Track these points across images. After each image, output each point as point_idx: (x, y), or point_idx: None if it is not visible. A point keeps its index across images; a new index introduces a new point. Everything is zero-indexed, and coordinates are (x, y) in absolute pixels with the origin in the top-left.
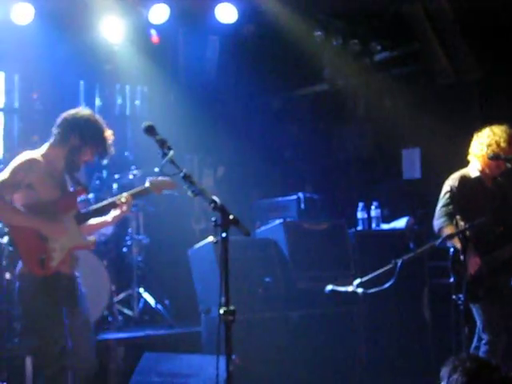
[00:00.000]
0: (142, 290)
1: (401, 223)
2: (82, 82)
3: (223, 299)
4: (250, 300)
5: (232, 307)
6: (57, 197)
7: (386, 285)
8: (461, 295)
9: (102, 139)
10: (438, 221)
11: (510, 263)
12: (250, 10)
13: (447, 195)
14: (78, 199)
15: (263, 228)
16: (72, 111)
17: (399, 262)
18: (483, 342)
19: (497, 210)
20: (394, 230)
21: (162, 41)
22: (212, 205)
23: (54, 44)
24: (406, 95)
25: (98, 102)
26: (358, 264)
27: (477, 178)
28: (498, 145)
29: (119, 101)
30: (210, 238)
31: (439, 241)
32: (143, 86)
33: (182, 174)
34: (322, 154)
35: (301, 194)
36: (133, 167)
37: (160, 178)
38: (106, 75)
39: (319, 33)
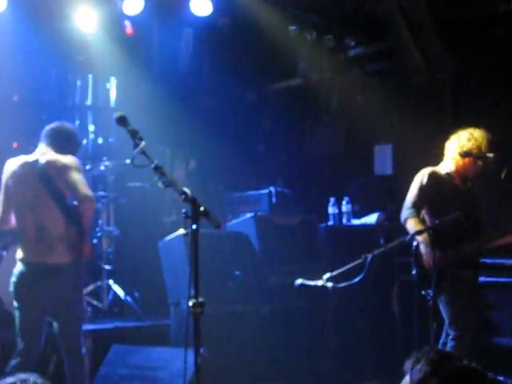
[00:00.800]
0: (111, 281)
1: (371, 219)
2: (53, 72)
3: (192, 291)
4: (220, 293)
5: (201, 299)
6: None
7: (356, 279)
8: (430, 290)
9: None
10: (404, 212)
11: (475, 258)
12: (225, 2)
13: (416, 188)
14: None
15: (234, 221)
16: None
17: (369, 256)
18: (450, 337)
19: (463, 207)
20: (364, 226)
21: (136, 32)
22: (182, 196)
23: (26, 33)
24: (379, 91)
25: (70, 92)
26: (328, 259)
27: (447, 175)
28: (479, 150)
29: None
30: (181, 231)
31: (409, 236)
32: (116, 76)
33: (153, 165)
34: (294, 148)
35: (272, 188)
36: (104, 158)
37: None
38: (79, 65)
39: (294, 27)
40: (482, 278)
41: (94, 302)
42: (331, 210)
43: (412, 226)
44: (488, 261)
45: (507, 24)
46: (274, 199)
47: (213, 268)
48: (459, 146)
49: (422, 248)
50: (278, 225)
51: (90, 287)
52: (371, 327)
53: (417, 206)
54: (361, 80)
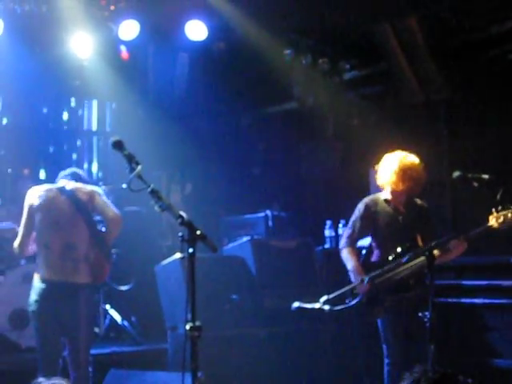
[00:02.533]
0: (108, 306)
1: (367, 241)
2: (49, 96)
3: (189, 315)
4: (217, 317)
5: (198, 323)
6: None
7: (353, 302)
8: (427, 312)
9: None
10: (341, 241)
11: (407, 282)
12: (220, 27)
13: (355, 216)
14: None
15: (231, 245)
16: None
17: (366, 279)
18: (386, 361)
19: (398, 234)
20: (360, 248)
21: (132, 57)
22: (179, 220)
23: (23, 59)
24: (375, 114)
25: (66, 116)
26: (325, 282)
27: (386, 201)
28: (410, 176)
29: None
30: (177, 255)
31: (406, 258)
32: (112, 101)
33: (149, 189)
34: (290, 171)
35: (269, 212)
36: (100, 183)
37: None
38: (75, 90)
39: (289, 51)
40: (478, 300)
41: None
42: (328, 232)
43: (345, 256)
44: (484, 283)
45: (501, 45)
46: (270, 222)
47: (210, 292)
48: (392, 171)
49: (352, 277)
50: (274, 248)
51: None
52: (370, 351)
53: (351, 236)
54: (356, 103)
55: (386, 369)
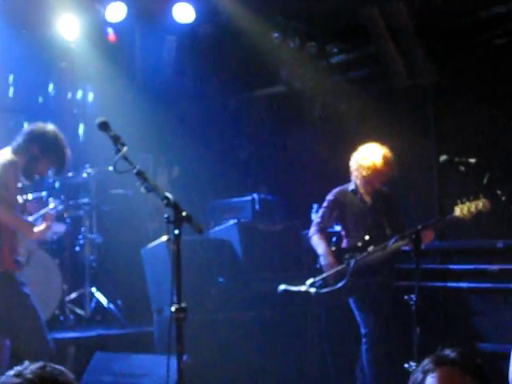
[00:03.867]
0: (94, 289)
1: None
2: (36, 78)
3: (175, 296)
4: (204, 300)
5: (183, 305)
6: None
7: (339, 285)
8: (413, 295)
9: (61, 156)
10: (311, 229)
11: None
12: (208, 10)
13: (324, 207)
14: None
15: (217, 228)
16: (40, 124)
17: (352, 262)
18: (363, 340)
19: (365, 222)
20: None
21: (119, 39)
22: (165, 201)
23: (9, 41)
24: (362, 98)
25: (52, 98)
26: (312, 265)
27: (353, 192)
28: (374, 167)
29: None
30: (164, 238)
31: (391, 242)
32: (99, 84)
33: (135, 171)
34: (277, 155)
35: (256, 195)
36: (87, 165)
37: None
38: (62, 72)
39: (276, 34)
40: (464, 284)
41: (77, 310)
42: (314, 216)
43: (315, 242)
44: (470, 267)
45: (489, 30)
46: (257, 206)
47: (196, 275)
48: (358, 163)
49: (322, 261)
50: (261, 231)
51: (73, 295)
52: (356, 332)
53: (319, 223)
54: (343, 86)
55: (363, 347)
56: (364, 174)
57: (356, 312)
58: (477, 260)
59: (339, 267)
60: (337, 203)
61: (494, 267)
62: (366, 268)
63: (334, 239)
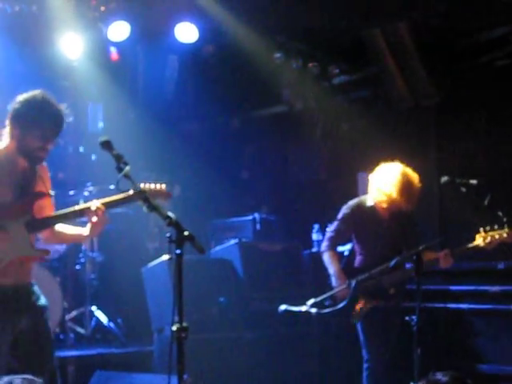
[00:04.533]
0: (94, 307)
1: (347, 247)
2: None
3: (176, 315)
4: (204, 320)
5: (185, 324)
6: (8, 199)
7: (340, 305)
8: (414, 316)
9: (41, 117)
10: (323, 243)
11: (388, 290)
12: (211, 30)
13: (339, 220)
14: (35, 203)
15: (218, 248)
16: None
17: (353, 282)
18: (364, 366)
19: (382, 240)
20: (341, 253)
21: (122, 58)
22: (167, 220)
23: (12, 58)
24: (364, 119)
25: None
26: (312, 285)
27: (371, 208)
28: (409, 188)
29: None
30: (165, 257)
31: (393, 262)
32: (101, 103)
33: (137, 190)
34: (278, 175)
35: (256, 215)
36: (88, 184)
37: (152, 186)
38: (64, 91)
39: (279, 55)
40: (464, 305)
41: (77, 329)
42: (315, 236)
43: (327, 260)
44: (471, 288)
45: (490, 52)
46: (258, 226)
47: (197, 294)
48: (390, 182)
49: (334, 282)
50: (262, 251)
51: (73, 313)
52: (357, 354)
53: (333, 238)
54: (345, 107)
55: (364, 373)
56: (398, 196)
57: (360, 335)
58: (477, 281)
59: (340, 288)
60: (353, 217)
61: (495, 288)
62: (376, 291)
63: (346, 254)
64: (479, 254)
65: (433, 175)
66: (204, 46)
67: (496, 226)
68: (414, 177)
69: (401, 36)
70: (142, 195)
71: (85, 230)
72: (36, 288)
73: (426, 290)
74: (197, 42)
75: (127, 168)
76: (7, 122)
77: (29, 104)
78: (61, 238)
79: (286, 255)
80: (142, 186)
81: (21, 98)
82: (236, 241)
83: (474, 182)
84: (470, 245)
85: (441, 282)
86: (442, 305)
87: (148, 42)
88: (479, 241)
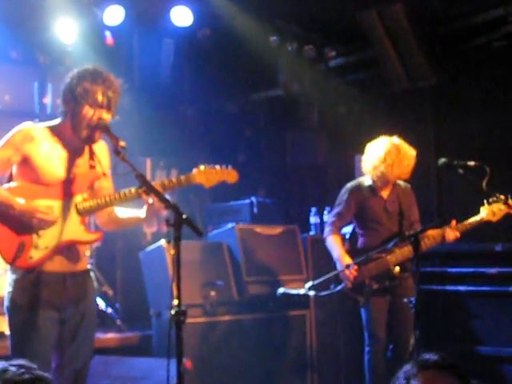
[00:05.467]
0: None
1: (349, 228)
2: (35, 84)
3: (175, 299)
4: (202, 304)
5: (183, 307)
6: (58, 178)
7: (338, 288)
8: (412, 299)
9: (92, 85)
10: (325, 229)
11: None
12: (206, 13)
13: (339, 204)
14: (89, 184)
15: (215, 232)
16: None
17: (351, 265)
18: (366, 349)
19: (382, 219)
20: (345, 235)
21: (117, 42)
22: (165, 204)
23: (7, 44)
24: (360, 101)
25: (49, 102)
26: (310, 269)
27: (370, 187)
28: (399, 157)
29: None
30: (162, 241)
31: (391, 244)
32: None
33: (135, 173)
34: (275, 158)
35: (254, 199)
36: None
37: (214, 166)
38: (60, 76)
39: (274, 38)
40: (463, 288)
41: None
42: (313, 219)
43: (330, 245)
44: (469, 270)
45: (487, 33)
46: (255, 209)
47: (194, 278)
48: (371, 159)
49: (338, 266)
50: (259, 235)
51: None
52: (353, 336)
53: (335, 224)
54: (342, 90)
55: (366, 357)
56: (388, 170)
57: (363, 316)
58: (475, 263)
59: (337, 271)
60: (353, 200)
61: (493, 270)
62: (384, 273)
63: (348, 237)
64: (477, 235)
65: (430, 157)
66: (199, 29)
67: (495, 195)
68: (403, 146)
69: (397, 18)
70: (140, 179)
71: (141, 213)
72: (90, 276)
73: (423, 272)
74: (192, 25)
75: (124, 151)
76: (60, 102)
77: (79, 76)
78: (118, 222)
79: (284, 239)
80: (202, 166)
81: (71, 73)
82: (233, 224)
83: (471, 163)
84: (475, 218)
85: (439, 264)
86: (440, 287)
87: (143, 26)
88: (483, 213)
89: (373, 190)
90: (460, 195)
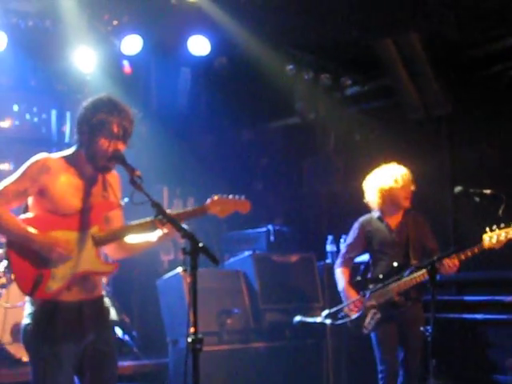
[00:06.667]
0: None
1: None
2: (54, 112)
3: (191, 327)
4: (218, 331)
5: (200, 335)
6: (75, 208)
7: (354, 316)
8: (428, 327)
9: (108, 116)
10: (337, 259)
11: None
12: (223, 42)
13: (350, 236)
14: (103, 215)
15: (232, 260)
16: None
17: (367, 293)
18: (379, 376)
19: (395, 250)
20: (361, 263)
21: (135, 72)
22: (181, 232)
23: (26, 72)
24: (376, 129)
25: (68, 130)
26: (326, 297)
27: (379, 219)
28: (390, 187)
29: None
30: (179, 269)
31: (407, 273)
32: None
33: (151, 202)
34: (291, 186)
35: (270, 227)
36: None
37: (228, 197)
38: (78, 104)
39: (291, 66)
40: (479, 316)
41: None
42: (329, 247)
43: (337, 276)
44: (486, 298)
45: (502, 62)
46: (272, 237)
47: (211, 306)
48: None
49: (343, 297)
50: (276, 263)
51: None
52: (371, 365)
53: (345, 256)
54: (358, 118)
55: (379, 383)
56: (385, 196)
57: (374, 346)
58: (492, 291)
59: (354, 298)
60: (363, 232)
61: (510, 298)
62: (388, 301)
63: (362, 268)
64: (494, 263)
65: (446, 185)
66: (216, 58)
67: (502, 225)
68: (388, 175)
69: (413, 46)
70: (157, 208)
71: (152, 237)
72: (105, 302)
73: (440, 300)
74: (209, 54)
75: (141, 181)
76: (75, 131)
77: (94, 106)
78: (128, 249)
79: (300, 266)
80: (216, 196)
81: (86, 102)
82: (250, 252)
83: (487, 191)
84: (478, 246)
85: (455, 293)
86: (456, 315)
87: (161, 55)
88: (486, 240)
89: (381, 221)
90: (476, 223)
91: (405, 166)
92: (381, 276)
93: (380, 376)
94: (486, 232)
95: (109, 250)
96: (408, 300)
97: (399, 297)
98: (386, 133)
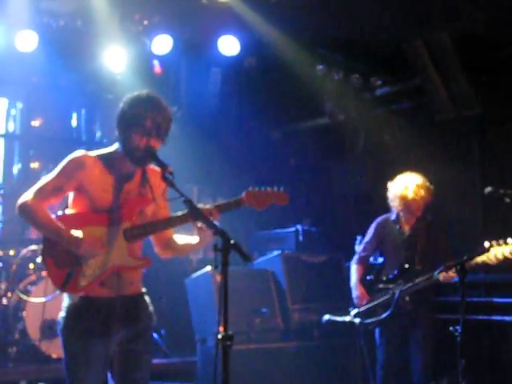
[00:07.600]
0: None
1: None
2: (83, 111)
3: (221, 324)
4: (247, 331)
5: (230, 332)
6: (108, 204)
7: (384, 315)
8: (458, 327)
9: (143, 112)
10: (354, 257)
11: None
12: (253, 42)
13: (367, 236)
14: (138, 210)
15: (261, 259)
16: None
17: (397, 292)
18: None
19: (403, 253)
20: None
21: (165, 71)
22: (213, 229)
23: (57, 72)
24: (406, 130)
25: (98, 131)
26: None
27: (394, 221)
28: (407, 196)
29: None
30: (208, 268)
31: (437, 272)
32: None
33: (183, 199)
34: (320, 186)
35: (299, 227)
36: None
37: (266, 189)
38: (108, 104)
39: (321, 66)
40: (508, 318)
41: None
42: (357, 248)
43: (351, 272)
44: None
45: None
46: (300, 237)
47: (240, 305)
48: (393, 193)
49: (353, 293)
50: (305, 263)
51: None
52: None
53: (361, 254)
54: (387, 119)
55: (379, 373)
56: (399, 203)
57: (376, 339)
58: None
59: (385, 297)
60: (378, 233)
61: None
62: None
63: (378, 267)
64: None
65: (476, 186)
66: (246, 58)
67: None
68: (409, 179)
69: (443, 46)
70: (189, 205)
71: (193, 240)
72: (145, 299)
73: (469, 302)
74: (239, 54)
75: (172, 177)
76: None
77: (132, 102)
78: (176, 249)
79: (329, 267)
80: (252, 189)
81: (125, 98)
82: (279, 252)
83: None
84: (481, 257)
85: (484, 295)
86: (485, 317)
87: (191, 55)
88: (491, 255)
89: (395, 224)
90: (506, 224)
91: (434, 167)
92: (390, 277)
93: (378, 373)
94: (492, 246)
95: (157, 248)
96: (414, 302)
97: (405, 296)
98: (416, 134)
